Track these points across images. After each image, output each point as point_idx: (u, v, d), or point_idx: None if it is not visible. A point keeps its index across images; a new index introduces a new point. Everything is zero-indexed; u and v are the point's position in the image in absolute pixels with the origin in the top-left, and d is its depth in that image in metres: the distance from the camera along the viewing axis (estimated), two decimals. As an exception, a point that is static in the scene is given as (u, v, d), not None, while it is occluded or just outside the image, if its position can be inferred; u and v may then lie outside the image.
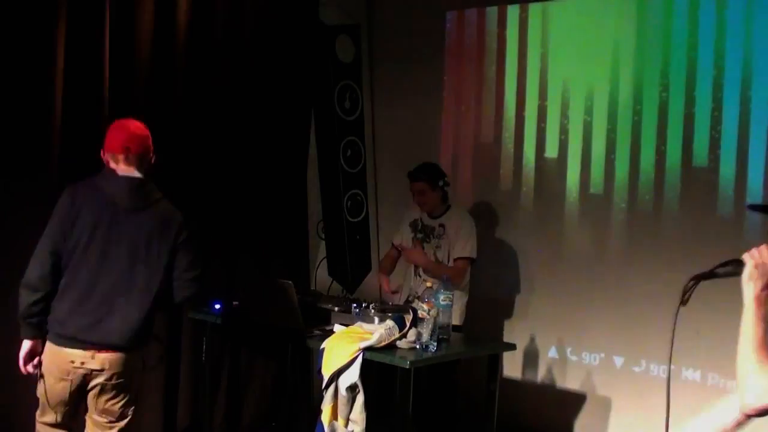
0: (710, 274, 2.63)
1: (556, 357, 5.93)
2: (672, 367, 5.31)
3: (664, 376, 5.45)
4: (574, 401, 5.84)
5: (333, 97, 6.53)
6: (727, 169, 5.24)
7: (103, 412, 3.94)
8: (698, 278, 2.66)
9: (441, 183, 5.65)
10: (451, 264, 5.61)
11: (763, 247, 2.48)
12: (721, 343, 5.20)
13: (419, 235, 5.76)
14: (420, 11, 6.66)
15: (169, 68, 5.53)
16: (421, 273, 5.70)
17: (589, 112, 5.85)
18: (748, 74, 5.16)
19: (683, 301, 2.67)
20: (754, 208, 3.00)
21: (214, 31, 5.80)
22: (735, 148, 5.21)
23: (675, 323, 2.69)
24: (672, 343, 2.75)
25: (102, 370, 3.85)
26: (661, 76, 5.53)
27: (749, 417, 2.47)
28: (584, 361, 5.83)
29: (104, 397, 3.91)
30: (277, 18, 6.19)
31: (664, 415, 5.40)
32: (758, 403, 2.34)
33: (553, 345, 5.97)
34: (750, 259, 2.48)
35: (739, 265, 2.52)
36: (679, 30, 5.46)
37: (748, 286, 2.48)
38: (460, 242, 5.60)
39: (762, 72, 5.12)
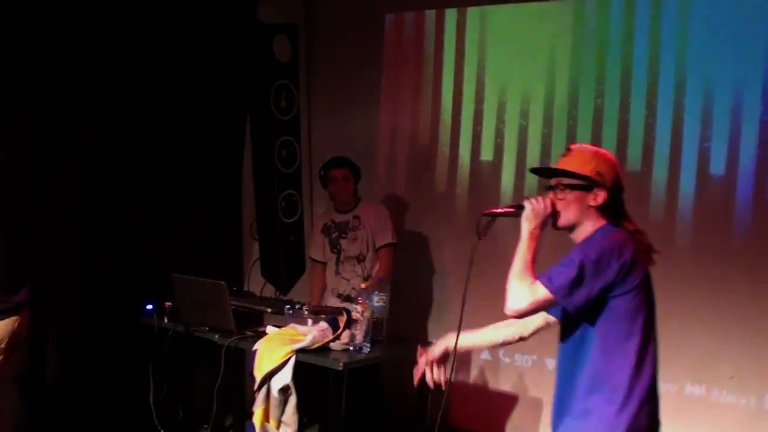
0: (500, 213, 3.20)
1: (489, 359, 5.95)
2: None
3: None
4: (507, 402, 5.86)
5: (269, 96, 6.48)
6: (660, 174, 5.31)
7: None
8: (489, 215, 3.21)
9: (359, 173, 5.80)
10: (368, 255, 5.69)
11: (539, 197, 3.12)
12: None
13: (334, 234, 5.78)
14: (359, 13, 6.65)
15: (102, 63, 5.46)
16: (341, 271, 5.72)
17: (524, 116, 5.89)
18: (681, 82, 5.24)
19: (479, 235, 3.16)
20: (534, 171, 3.29)
21: (149, 28, 5.73)
22: (668, 153, 5.28)
23: (472, 255, 3.15)
24: (468, 277, 3.26)
25: None
26: (596, 82, 5.59)
27: (514, 318, 3.15)
28: (516, 363, 5.86)
29: None
30: (214, 16, 6.14)
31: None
32: (516, 306, 2.99)
33: (490, 349, 5.99)
34: (529, 204, 3.10)
35: (521, 208, 3.12)
36: (615, 37, 5.52)
37: (525, 224, 3.10)
38: (383, 230, 5.67)
39: (695, 79, 5.20)
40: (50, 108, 5.38)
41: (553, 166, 3.20)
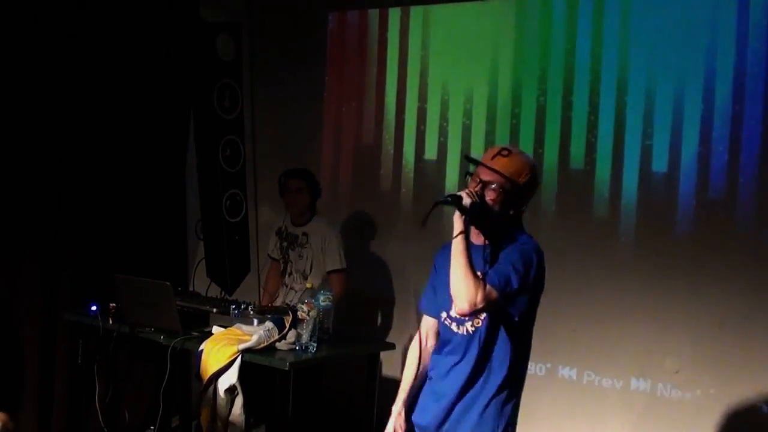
0: (441, 202, 3.17)
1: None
2: (548, 365, 5.47)
3: (541, 374, 5.55)
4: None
5: (212, 95, 6.44)
6: (603, 171, 5.37)
7: None
8: (435, 204, 3.17)
9: (317, 189, 5.76)
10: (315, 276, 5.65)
11: (470, 190, 3.17)
12: (596, 342, 5.35)
13: (284, 243, 5.78)
14: (302, 11, 6.64)
15: (41, 61, 5.39)
16: (288, 282, 5.71)
17: (468, 115, 5.91)
18: (623, 80, 5.30)
19: (423, 223, 3.19)
20: (472, 160, 3.34)
21: (89, 26, 5.67)
22: (611, 151, 5.34)
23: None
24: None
25: None
26: (539, 80, 5.63)
27: (464, 317, 3.22)
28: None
29: None
30: (156, 14, 6.09)
31: (541, 413, 5.53)
32: (470, 306, 3.07)
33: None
34: (467, 196, 3.13)
35: (458, 198, 3.13)
36: (557, 36, 5.57)
37: (460, 217, 3.14)
38: (333, 255, 5.64)
39: (637, 78, 5.27)
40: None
41: (490, 164, 3.25)
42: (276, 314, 4.86)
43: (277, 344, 4.65)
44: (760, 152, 4.89)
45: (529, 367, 5.45)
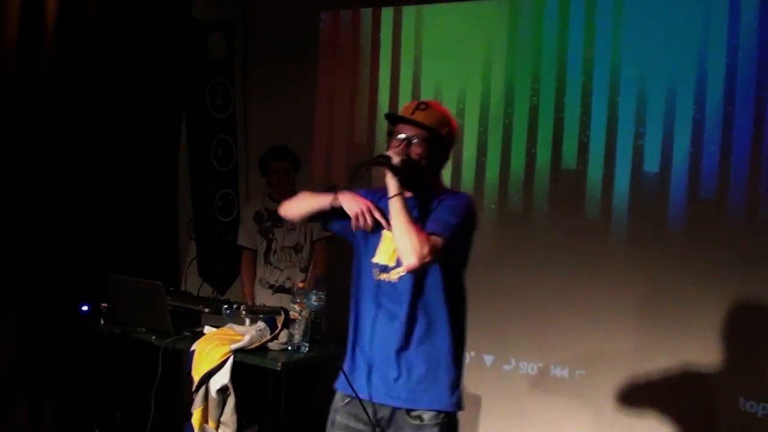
0: (369, 162, 3.22)
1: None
2: (540, 364, 5.48)
3: (534, 374, 5.56)
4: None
5: (205, 94, 6.44)
6: (595, 172, 5.38)
7: None
8: (363, 164, 3.22)
9: (299, 165, 5.85)
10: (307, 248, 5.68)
11: (395, 149, 3.21)
12: (589, 341, 5.36)
13: (267, 224, 5.78)
14: (294, 10, 6.63)
15: (36, 63, 5.38)
16: (272, 260, 5.71)
17: (461, 114, 5.91)
18: (615, 81, 5.31)
19: (350, 178, 3.22)
20: (392, 117, 3.36)
21: (83, 26, 5.66)
22: (602, 152, 5.35)
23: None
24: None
25: None
26: (532, 80, 5.64)
27: (413, 271, 3.17)
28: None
29: None
30: (148, 13, 6.07)
31: (534, 412, 5.54)
32: (419, 260, 3.05)
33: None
34: (396, 156, 3.16)
35: (388, 158, 3.15)
36: (550, 36, 5.57)
37: (394, 177, 3.14)
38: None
39: (629, 79, 5.28)
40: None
41: (411, 119, 3.28)
42: (268, 314, 4.85)
43: (270, 344, 4.63)
44: (751, 152, 4.90)
45: (521, 367, 5.59)
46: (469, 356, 5.79)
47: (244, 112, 6.79)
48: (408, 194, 3.25)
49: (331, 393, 3.64)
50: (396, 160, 3.15)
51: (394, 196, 3.14)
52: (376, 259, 3.39)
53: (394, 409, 3.38)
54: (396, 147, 3.25)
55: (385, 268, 3.37)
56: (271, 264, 5.80)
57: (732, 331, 4.91)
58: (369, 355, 3.42)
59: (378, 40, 6.33)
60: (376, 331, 3.40)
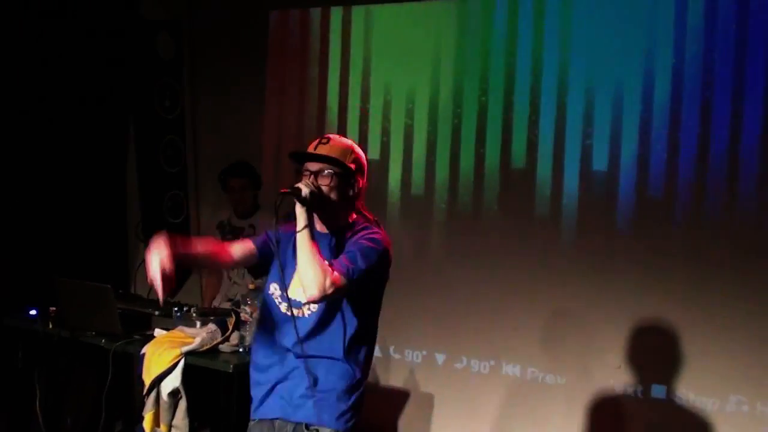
0: (287, 193, 3.16)
1: (379, 355, 5.97)
2: (492, 362, 5.52)
3: (485, 372, 5.59)
4: (398, 398, 5.90)
5: (153, 94, 6.39)
6: (544, 171, 5.42)
7: None
8: (282, 194, 3.16)
9: (259, 182, 5.77)
10: None
11: (306, 181, 3.22)
12: (539, 339, 5.40)
13: (228, 236, 5.74)
14: (243, 9, 6.59)
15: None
16: (232, 275, 5.70)
17: (410, 115, 5.93)
18: (564, 81, 5.35)
19: (276, 216, 3.18)
20: (296, 156, 3.42)
21: (29, 25, 5.60)
22: (551, 151, 5.39)
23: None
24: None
25: None
26: (481, 81, 5.66)
27: (313, 302, 3.21)
28: (407, 358, 5.90)
29: None
30: (95, 12, 6.02)
31: (486, 410, 5.58)
32: (319, 293, 3.07)
33: (377, 344, 6.00)
34: (305, 186, 3.18)
35: (297, 190, 3.16)
36: (499, 36, 5.60)
37: (302, 208, 3.17)
38: None
39: (577, 79, 5.33)
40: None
41: (314, 153, 3.31)
42: (219, 316, 4.83)
43: (221, 346, 4.62)
44: (698, 152, 4.97)
45: (473, 365, 5.62)
46: (420, 355, 5.83)
47: (192, 112, 6.75)
48: (326, 231, 3.35)
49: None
50: (305, 191, 3.18)
51: (301, 230, 3.17)
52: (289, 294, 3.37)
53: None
54: (306, 180, 3.27)
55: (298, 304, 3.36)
56: (230, 279, 5.77)
57: (676, 325, 4.99)
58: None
59: (327, 40, 6.31)
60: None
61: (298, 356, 3.32)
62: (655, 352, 5.08)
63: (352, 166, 3.33)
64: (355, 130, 6.16)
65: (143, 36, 6.36)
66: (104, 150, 6.21)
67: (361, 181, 3.39)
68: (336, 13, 6.27)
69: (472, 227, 5.70)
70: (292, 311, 3.28)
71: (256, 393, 3.45)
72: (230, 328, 4.69)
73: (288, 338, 3.34)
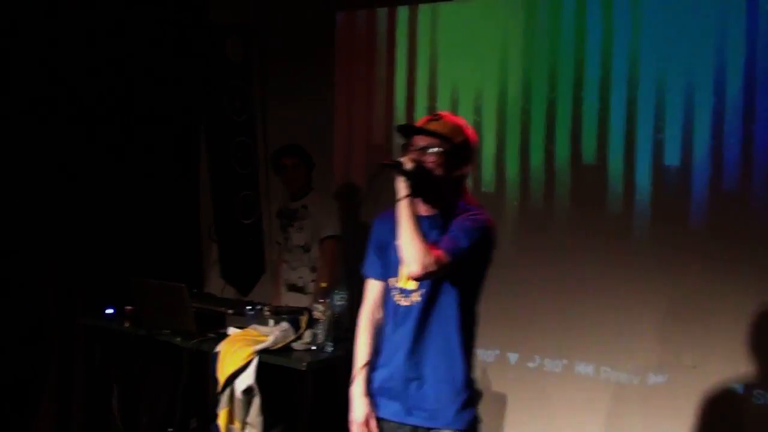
0: (383, 166, 3.16)
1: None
2: (565, 361, 5.46)
3: (559, 371, 5.54)
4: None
5: (223, 98, 6.46)
6: (616, 166, 5.36)
7: None
8: (381, 167, 3.18)
9: (311, 162, 5.80)
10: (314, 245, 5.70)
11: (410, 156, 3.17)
12: (613, 337, 5.34)
13: (284, 221, 5.78)
14: (310, 11, 6.63)
15: (54, 66, 5.41)
16: (288, 259, 5.78)
17: (478, 112, 5.91)
18: (634, 75, 5.27)
19: (370, 186, 3.24)
20: (405, 129, 3.35)
21: (99, 29, 5.69)
22: (622, 146, 5.32)
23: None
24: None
25: None
26: (549, 76, 5.61)
27: (416, 279, 3.17)
28: (480, 358, 5.87)
29: None
30: (165, 18, 6.10)
31: (559, 410, 5.53)
32: (423, 270, 3.04)
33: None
34: (408, 161, 3.13)
35: (399, 163, 3.12)
36: (567, 31, 5.54)
37: (404, 183, 3.11)
38: (327, 222, 5.68)
39: (647, 72, 5.24)
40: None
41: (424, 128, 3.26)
42: (292, 314, 4.86)
43: (294, 344, 4.65)
44: (773, 143, 4.89)
45: (546, 364, 5.58)
46: (493, 355, 5.80)
47: (262, 113, 6.80)
48: (433, 212, 3.28)
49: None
50: (408, 165, 3.12)
51: (402, 198, 3.11)
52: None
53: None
54: (410, 156, 3.22)
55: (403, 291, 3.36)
56: (287, 262, 5.81)
57: (759, 327, 4.89)
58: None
59: (394, 39, 6.32)
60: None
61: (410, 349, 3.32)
62: (733, 352, 4.99)
63: (461, 144, 3.26)
64: (423, 129, 6.15)
65: (213, 40, 6.43)
66: (177, 153, 6.30)
67: (468, 163, 3.32)
68: (402, 12, 6.27)
69: (543, 224, 5.66)
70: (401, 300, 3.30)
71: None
72: (303, 326, 4.72)
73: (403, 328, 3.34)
